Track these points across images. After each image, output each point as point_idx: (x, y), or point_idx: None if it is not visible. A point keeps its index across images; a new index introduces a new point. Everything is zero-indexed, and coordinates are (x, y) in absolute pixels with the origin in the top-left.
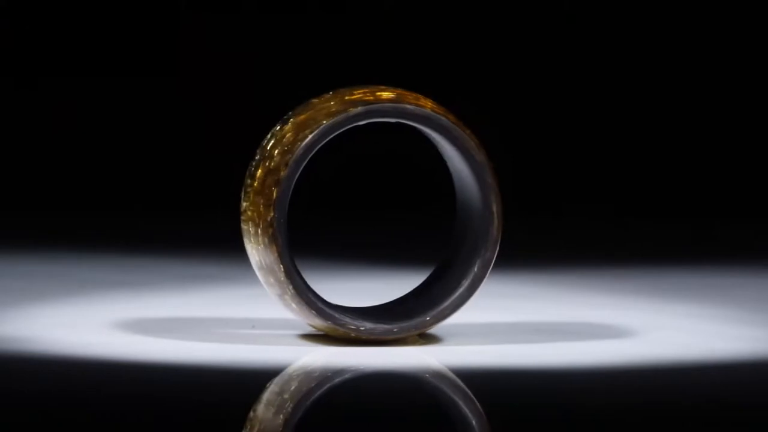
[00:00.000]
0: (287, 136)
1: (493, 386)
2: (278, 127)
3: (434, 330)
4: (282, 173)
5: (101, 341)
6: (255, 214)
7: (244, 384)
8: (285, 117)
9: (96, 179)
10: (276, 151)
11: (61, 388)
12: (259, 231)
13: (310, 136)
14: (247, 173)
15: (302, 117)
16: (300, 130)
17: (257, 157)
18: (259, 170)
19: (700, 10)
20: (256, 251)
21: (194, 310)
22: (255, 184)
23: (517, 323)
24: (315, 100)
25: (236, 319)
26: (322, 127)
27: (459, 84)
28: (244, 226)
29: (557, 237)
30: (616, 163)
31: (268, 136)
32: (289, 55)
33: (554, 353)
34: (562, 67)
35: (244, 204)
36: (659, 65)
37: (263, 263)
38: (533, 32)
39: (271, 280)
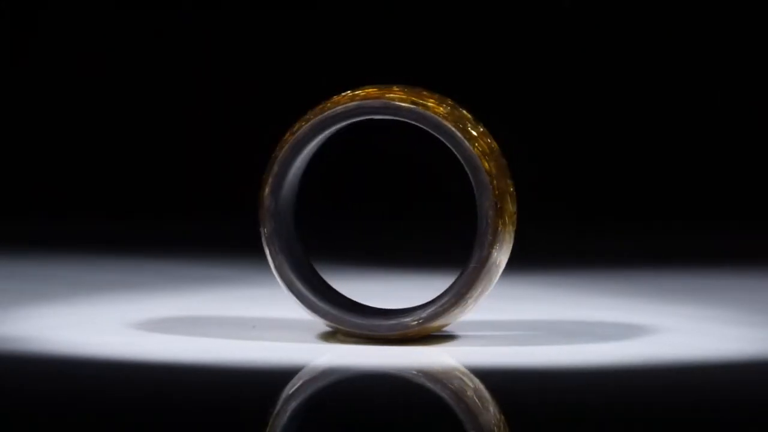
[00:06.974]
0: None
1: (506, 386)
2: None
3: (448, 329)
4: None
5: (106, 341)
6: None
7: (252, 384)
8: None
9: (97, 180)
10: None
11: (65, 389)
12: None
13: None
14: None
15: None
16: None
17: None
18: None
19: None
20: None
21: (197, 311)
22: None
23: (524, 324)
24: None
25: (241, 318)
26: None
27: (478, 88)
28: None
29: (563, 240)
30: (619, 167)
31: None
32: (294, 53)
33: (559, 354)
34: (580, 72)
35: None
36: (662, 68)
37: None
38: (545, 35)
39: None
